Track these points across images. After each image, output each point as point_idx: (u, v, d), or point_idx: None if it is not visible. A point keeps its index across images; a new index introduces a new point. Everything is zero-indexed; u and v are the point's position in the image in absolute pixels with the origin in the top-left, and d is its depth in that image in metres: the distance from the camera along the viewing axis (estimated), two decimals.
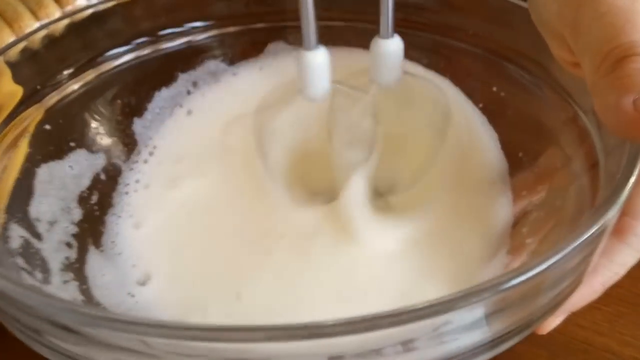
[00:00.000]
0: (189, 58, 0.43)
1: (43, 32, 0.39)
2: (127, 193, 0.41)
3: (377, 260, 0.37)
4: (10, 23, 0.46)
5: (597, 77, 0.27)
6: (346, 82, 0.38)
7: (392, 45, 0.36)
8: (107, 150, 0.41)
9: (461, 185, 0.40)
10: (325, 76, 0.36)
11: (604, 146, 0.32)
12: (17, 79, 0.37)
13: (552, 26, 0.31)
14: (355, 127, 0.39)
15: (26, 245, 0.33)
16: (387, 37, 0.36)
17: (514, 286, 0.22)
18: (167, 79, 0.43)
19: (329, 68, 0.36)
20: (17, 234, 0.33)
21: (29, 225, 0.34)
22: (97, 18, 0.40)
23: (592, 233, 0.24)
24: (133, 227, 0.40)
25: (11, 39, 0.46)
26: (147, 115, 0.42)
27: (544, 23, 0.32)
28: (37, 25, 0.47)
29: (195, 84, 0.44)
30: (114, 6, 0.41)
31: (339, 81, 0.37)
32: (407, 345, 0.23)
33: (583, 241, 0.24)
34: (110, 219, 0.39)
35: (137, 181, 0.41)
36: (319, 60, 0.35)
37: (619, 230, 0.30)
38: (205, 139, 0.43)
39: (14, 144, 0.36)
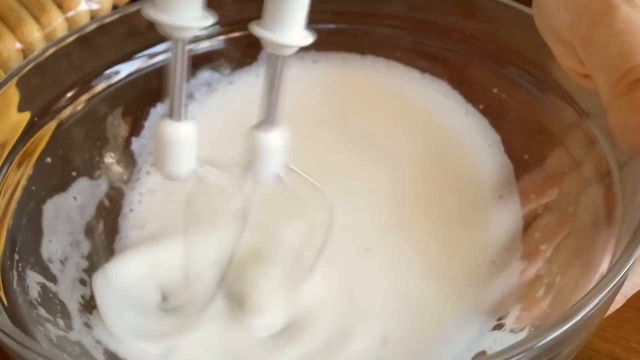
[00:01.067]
0: None
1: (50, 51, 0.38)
2: (131, 211, 0.40)
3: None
4: (13, 29, 0.46)
5: (613, 96, 0.27)
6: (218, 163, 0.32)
7: (273, 135, 0.30)
8: (108, 174, 0.40)
9: (463, 192, 0.39)
10: (191, 153, 0.30)
11: (615, 155, 0.32)
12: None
13: (562, 36, 0.30)
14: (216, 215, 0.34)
15: (44, 291, 0.33)
16: (269, 124, 0.30)
17: (549, 342, 0.23)
18: (161, 94, 0.42)
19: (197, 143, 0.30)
20: (34, 282, 0.33)
21: (43, 269, 0.34)
22: (103, 30, 0.40)
23: (623, 274, 0.24)
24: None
25: (14, 44, 0.46)
26: (145, 133, 0.41)
27: (552, 31, 0.31)
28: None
29: (191, 96, 0.42)
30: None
31: (208, 161, 0.31)
32: None
33: (614, 284, 0.24)
34: (118, 244, 0.39)
35: (140, 194, 0.40)
36: (184, 133, 0.29)
37: None
38: (213, 134, 0.41)
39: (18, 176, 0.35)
